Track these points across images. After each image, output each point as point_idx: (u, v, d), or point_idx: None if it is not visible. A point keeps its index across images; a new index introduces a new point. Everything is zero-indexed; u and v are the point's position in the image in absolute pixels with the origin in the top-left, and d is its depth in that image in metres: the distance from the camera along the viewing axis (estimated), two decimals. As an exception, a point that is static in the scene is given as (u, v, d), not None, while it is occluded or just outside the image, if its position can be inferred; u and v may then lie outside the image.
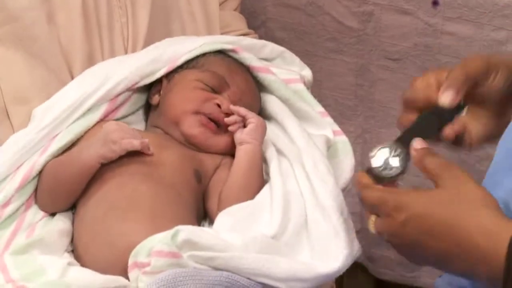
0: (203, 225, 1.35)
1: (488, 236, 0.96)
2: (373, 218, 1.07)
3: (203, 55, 1.44)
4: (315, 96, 1.51)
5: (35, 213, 1.32)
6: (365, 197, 1.09)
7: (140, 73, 1.40)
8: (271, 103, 1.47)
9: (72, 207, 1.35)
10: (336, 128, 1.47)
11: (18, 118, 1.37)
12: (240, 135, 1.36)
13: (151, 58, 1.42)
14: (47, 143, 1.34)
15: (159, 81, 1.44)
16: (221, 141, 1.38)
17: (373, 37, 1.76)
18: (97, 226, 1.26)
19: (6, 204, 1.29)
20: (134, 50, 1.48)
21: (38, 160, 1.31)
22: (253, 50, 1.49)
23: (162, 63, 1.42)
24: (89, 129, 1.37)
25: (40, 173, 1.32)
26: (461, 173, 1.03)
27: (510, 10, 1.59)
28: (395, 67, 1.76)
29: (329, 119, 1.48)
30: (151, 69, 1.41)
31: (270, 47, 1.52)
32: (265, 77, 1.47)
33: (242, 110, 1.37)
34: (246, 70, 1.47)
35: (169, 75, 1.44)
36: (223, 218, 1.27)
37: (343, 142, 1.46)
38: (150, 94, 1.45)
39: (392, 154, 1.14)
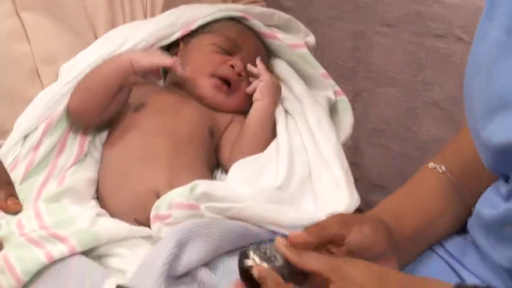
0: (215, 174, 1.41)
1: None
2: None
3: (217, 21, 1.49)
4: (317, 59, 1.55)
5: (66, 159, 1.37)
6: None
7: (157, 36, 1.45)
8: (279, 66, 1.52)
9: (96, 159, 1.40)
10: (337, 88, 1.52)
11: (48, 77, 1.42)
12: (255, 94, 1.42)
13: (167, 22, 1.47)
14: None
15: (176, 44, 1.49)
16: (232, 101, 1.44)
17: (371, 5, 1.82)
18: (120, 173, 1.33)
19: (37, 146, 1.35)
20: (152, 16, 1.52)
21: (59, 109, 1.37)
22: (263, 18, 1.53)
23: (177, 27, 1.47)
24: None
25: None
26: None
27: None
28: (390, 32, 1.82)
29: (330, 81, 1.54)
30: (167, 33, 1.46)
31: (278, 15, 1.56)
32: (273, 43, 1.52)
33: (255, 70, 1.44)
34: (256, 35, 1.51)
35: (185, 39, 1.48)
36: (234, 172, 1.33)
37: (343, 101, 1.52)
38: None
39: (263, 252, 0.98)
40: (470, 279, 1.10)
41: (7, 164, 1.34)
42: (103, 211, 1.29)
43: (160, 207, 1.23)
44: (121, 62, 1.36)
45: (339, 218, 1.08)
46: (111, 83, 1.37)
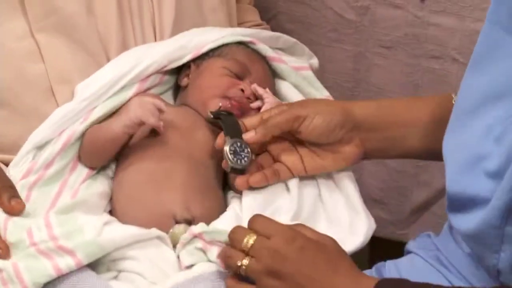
0: (227, 195, 1.40)
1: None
2: (246, 260, 1.10)
3: (226, 45, 1.49)
4: (318, 79, 1.56)
5: (78, 175, 1.38)
6: (264, 223, 1.13)
7: (169, 58, 1.45)
8: (285, 88, 1.53)
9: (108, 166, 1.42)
10: None
11: (62, 96, 1.43)
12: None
13: (179, 45, 1.47)
14: (86, 114, 1.39)
15: (187, 65, 1.49)
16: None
17: (369, 28, 1.83)
18: (135, 191, 1.32)
19: (49, 165, 1.35)
20: (162, 38, 1.52)
21: (78, 128, 1.37)
22: (269, 41, 1.54)
23: (188, 50, 1.47)
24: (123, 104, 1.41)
25: (82, 137, 1.38)
26: None
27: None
28: (388, 54, 1.83)
29: None
30: (178, 55, 1.46)
31: (284, 39, 1.57)
32: (278, 66, 1.53)
33: (260, 90, 1.44)
34: (263, 59, 1.52)
35: (196, 61, 1.48)
36: (247, 199, 1.33)
37: None
38: (180, 77, 1.50)
39: (239, 148, 1.30)
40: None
41: (17, 172, 1.35)
42: (112, 218, 1.29)
43: (196, 228, 1.25)
44: (115, 132, 1.36)
45: (291, 114, 1.27)
46: (111, 148, 1.39)
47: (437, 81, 1.78)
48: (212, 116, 1.37)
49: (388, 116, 1.31)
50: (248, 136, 1.30)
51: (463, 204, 1.06)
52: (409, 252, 1.32)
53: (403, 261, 1.32)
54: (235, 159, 1.30)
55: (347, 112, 1.28)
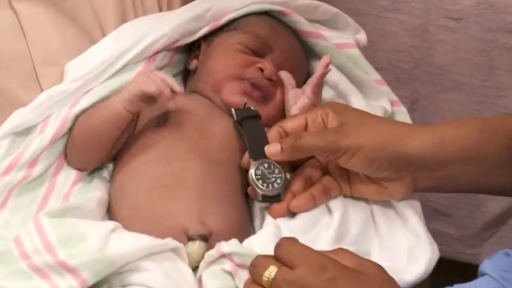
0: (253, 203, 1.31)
1: None
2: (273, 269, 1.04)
3: (245, 16, 1.41)
4: (367, 59, 1.48)
5: (66, 176, 1.30)
6: (289, 249, 1.06)
7: (181, 30, 1.37)
8: (332, 74, 1.42)
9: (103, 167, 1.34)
10: (394, 97, 1.44)
11: (48, 81, 1.34)
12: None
13: (195, 14, 1.39)
14: (78, 98, 1.31)
15: (197, 45, 1.41)
16: (264, 111, 1.33)
17: None
18: (140, 201, 1.22)
19: (33, 163, 1.27)
20: (170, 9, 1.47)
21: (68, 114, 1.29)
22: (305, 11, 1.45)
23: (205, 21, 1.39)
24: None
25: (70, 129, 1.30)
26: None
27: None
28: (456, 27, 1.72)
29: (386, 88, 1.45)
30: (193, 27, 1.38)
31: (323, 8, 1.47)
32: (317, 43, 1.44)
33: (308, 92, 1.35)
34: (292, 32, 1.43)
35: (208, 38, 1.40)
36: (288, 217, 1.24)
37: (401, 113, 1.43)
38: (188, 59, 1.42)
39: (269, 171, 1.20)
40: None
41: None
42: (117, 224, 1.19)
43: (225, 247, 1.15)
44: (113, 108, 1.26)
45: (329, 143, 1.17)
46: (109, 133, 1.29)
47: (518, 61, 1.67)
48: (235, 117, 1.28)
49: (451, 153, 1.21)
50: (272, 151, 1.20)
51: None
52: (483, 274, 1.18)
53: (473, 285, 1.17)
54: (264, 184, 1.19)
55: (399, 149, 1.19)
